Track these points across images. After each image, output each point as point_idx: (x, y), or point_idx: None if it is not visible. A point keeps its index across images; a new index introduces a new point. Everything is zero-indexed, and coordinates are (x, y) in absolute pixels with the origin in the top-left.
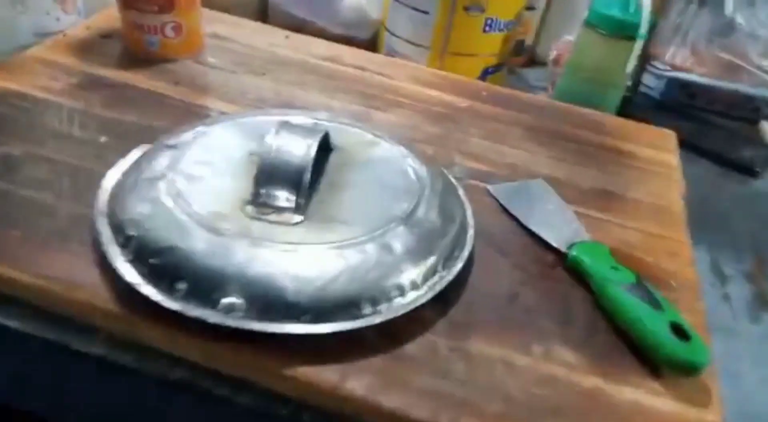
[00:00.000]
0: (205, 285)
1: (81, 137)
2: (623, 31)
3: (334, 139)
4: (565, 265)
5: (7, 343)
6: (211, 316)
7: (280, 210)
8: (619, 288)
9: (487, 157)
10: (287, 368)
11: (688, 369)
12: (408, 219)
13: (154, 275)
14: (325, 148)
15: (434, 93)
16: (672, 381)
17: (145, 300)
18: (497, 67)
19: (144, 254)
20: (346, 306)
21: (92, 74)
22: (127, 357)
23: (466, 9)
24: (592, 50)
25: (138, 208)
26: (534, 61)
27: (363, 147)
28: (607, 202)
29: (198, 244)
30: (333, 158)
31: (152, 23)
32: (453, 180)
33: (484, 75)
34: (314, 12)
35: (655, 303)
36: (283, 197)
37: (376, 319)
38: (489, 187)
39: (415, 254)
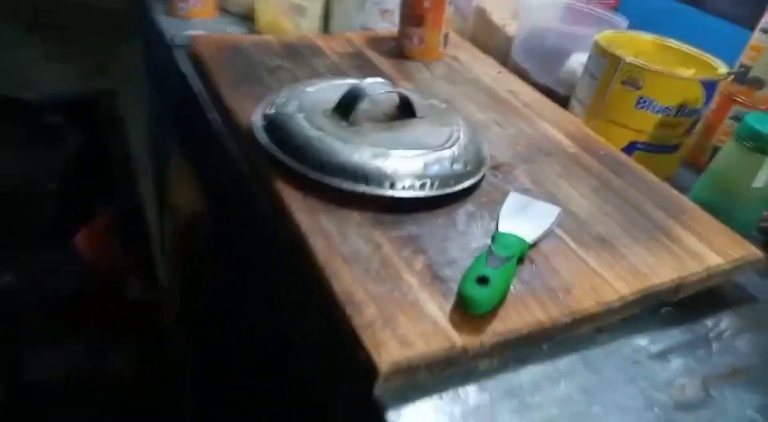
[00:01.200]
0: (287, 141)
1: (319, 71)
2: (761, 143)
3: (425, 115)
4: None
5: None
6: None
7: (339, 118)
8: (487, 250)
9: (541, 182)
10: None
11: (463, 300)
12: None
13: (267, 129)
14: (408, 111)
15: (559, 135)
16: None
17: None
18: (650, 146)
19: (266, 117)
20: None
21: (362, 52)
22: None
23: (623, 82)
24: (729, 159)
25: (277, 95)
26: None
27: (437, 124)
28: (598, 247)
29: (292, 121)
30: (412, 120)
31: (407, 32)
32: (486, 170)
33: (631, 148)
34: (539, 69)
35: (496, 265)
36: (344, 111)
37: (377, 192)
38: (512, 191)
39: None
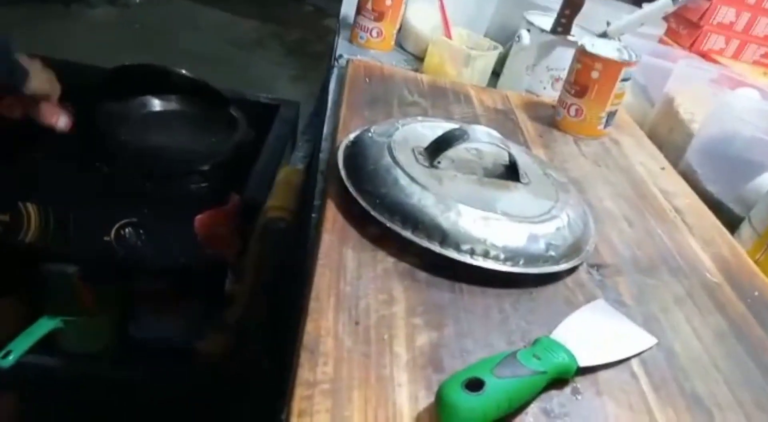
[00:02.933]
0: (358, 164)
1: (453, 116)
2: None
3: (532, 183)
4: None
5: None
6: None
7: (426, 157)
8: (514, 352)
9: (647, 301)
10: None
11: (437, 401)
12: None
13: (350, 149)
14: (513, 172)
15: (703, 257)
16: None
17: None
18: None
19: (356, 138)
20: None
21: (511, 111)
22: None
23: None
24: None
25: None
26: None
27: (540, 195)
28: (684, 406)
29: (373, 147)
30: (511, 184)
31: (566, 101)
32: (580, 264)
33: None
34: (715, 178)
35: (509, 374)
36: (433, 152)
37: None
38: (601, 298)
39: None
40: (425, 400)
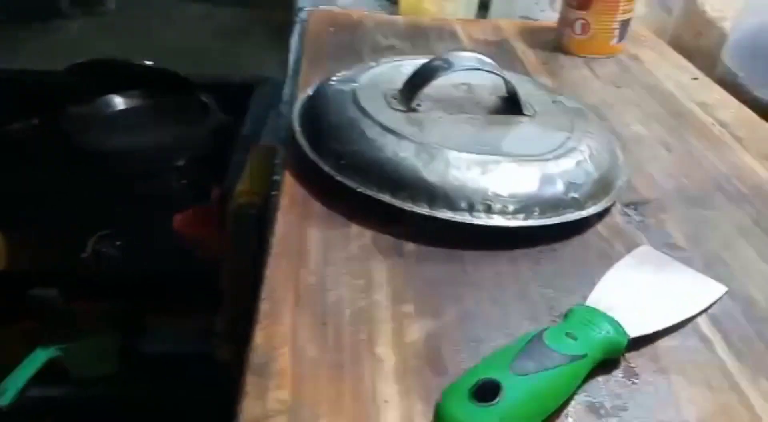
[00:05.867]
0: (318, 120)
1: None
2: None
3: (538, 114)
4: None
5: None
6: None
7: (400, 101)
8: (539, 333)
9: (704, 240)
10: None
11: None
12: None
13: (309, 105)
14: (513, 104)
15: (763, 172)
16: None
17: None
18: None
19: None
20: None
21: (506, 41)
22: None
23: None
24: None
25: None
26: None
27: (551, 128)
28: None
29: (336, 97)
30: (513, 119)
31: (568, 17)
32: (613, 204)
33: None
34: (764, 80)
35: (533, 367)
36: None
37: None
38: (646, 244)
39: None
40: (424, 418)
